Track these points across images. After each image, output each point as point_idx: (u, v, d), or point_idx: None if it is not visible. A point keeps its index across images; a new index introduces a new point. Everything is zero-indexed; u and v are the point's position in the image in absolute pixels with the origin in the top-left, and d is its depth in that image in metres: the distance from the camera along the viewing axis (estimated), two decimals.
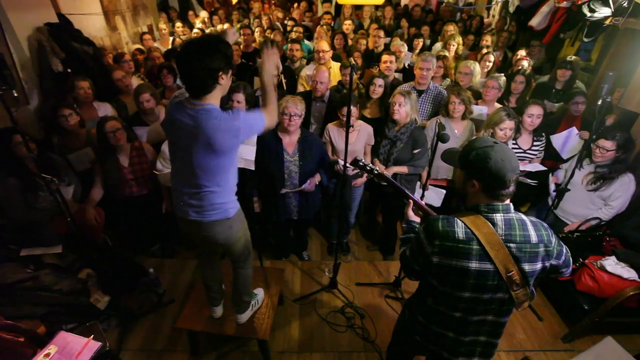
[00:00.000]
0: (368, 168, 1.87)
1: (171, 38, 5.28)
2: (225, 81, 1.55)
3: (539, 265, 1.23)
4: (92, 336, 1.79)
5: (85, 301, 2.30)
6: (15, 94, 1.79)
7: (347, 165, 2.22)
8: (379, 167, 2.59)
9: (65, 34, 3.42)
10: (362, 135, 2.75)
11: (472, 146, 1.26)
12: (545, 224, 1.28)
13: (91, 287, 2.41)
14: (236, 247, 1.91)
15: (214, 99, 1.56)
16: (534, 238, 1.22)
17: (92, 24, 4.33)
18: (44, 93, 3.23)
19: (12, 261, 2.25)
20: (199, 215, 1.70)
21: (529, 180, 2.77)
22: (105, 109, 3.12)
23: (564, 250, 1.31)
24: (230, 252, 1.95)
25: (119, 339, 2.40)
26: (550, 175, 2.88)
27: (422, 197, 2.49)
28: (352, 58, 2.25)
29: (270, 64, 1.72)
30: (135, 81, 3.60)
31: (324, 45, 3.53)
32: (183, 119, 1.53)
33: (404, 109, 2.59)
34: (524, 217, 1.26)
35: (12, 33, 2.94)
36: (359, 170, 1.92)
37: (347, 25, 5.10)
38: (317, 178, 2.61)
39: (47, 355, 1.68)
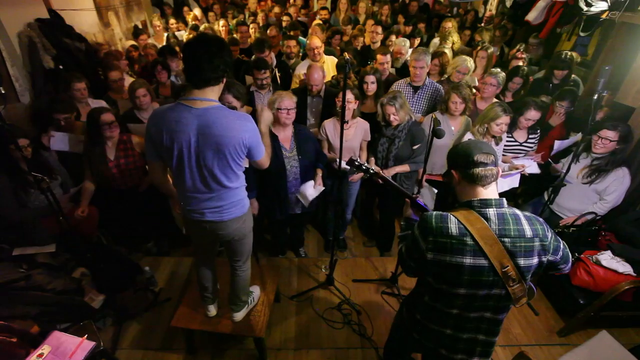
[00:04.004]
0: (364, 167, 1.86)
1: (165, 34, 5.23)
2: (223, 83, 1.57)
3: (535, 260, 1.22)
4: (85, 336, 1.78)
5: (80, 300, 2.28)
6: (3, 91, 1.76)
7: (344, 164, 2.21)
8: (375, 167, 2.59)
9: (57, 30, 3.37)
10: (358, 131, 2.74)
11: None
12: (540, 219, 1.27)
13: (85, 286, 2.38)
14: (245, 242, 1.92)
15: (215, 96, 1.55)
16: (528, 232, 1.21)
17: (84, 20, 4.27)
18: (36, 90, 3.19)
19: (5, 261, 2.22)
20: (218, 215, 1.69)
21: (527, 170, 2.72)
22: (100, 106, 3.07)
23: (561, 246, 1.30)
24: (236, 250, 1.93)
25: (115, 337, 2.39)
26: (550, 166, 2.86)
27: (417, 193, 2.48)
28: (346, 53, 2.24)
29: (266, 117, 1.91)
30: (126, 78, 3.56)
31: (316, 41, 3.46)
32: (188, 121, 1.46)
33: (399, 115, 2.57)
34: (517, 211, 1.26)
35: (2, 29, 2.88)
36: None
37: (347, 29, 5.00)
38: (319, 176, 2.61)
39: (40, 355, 1.67)
